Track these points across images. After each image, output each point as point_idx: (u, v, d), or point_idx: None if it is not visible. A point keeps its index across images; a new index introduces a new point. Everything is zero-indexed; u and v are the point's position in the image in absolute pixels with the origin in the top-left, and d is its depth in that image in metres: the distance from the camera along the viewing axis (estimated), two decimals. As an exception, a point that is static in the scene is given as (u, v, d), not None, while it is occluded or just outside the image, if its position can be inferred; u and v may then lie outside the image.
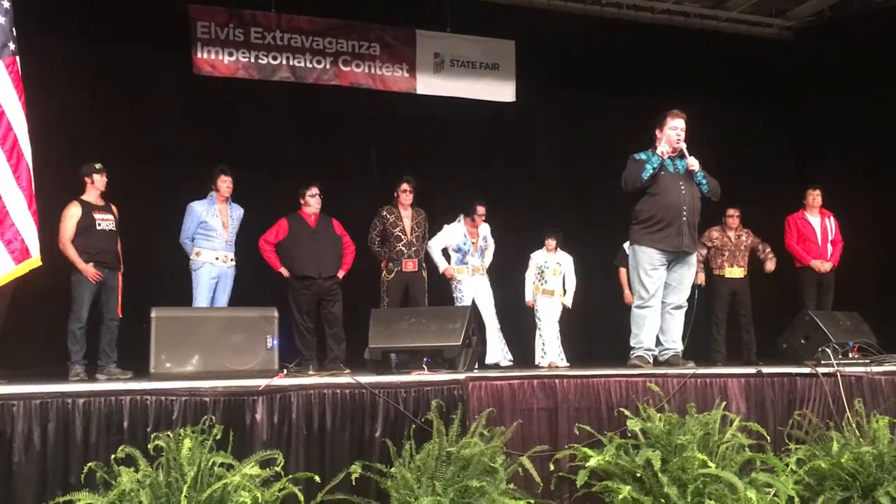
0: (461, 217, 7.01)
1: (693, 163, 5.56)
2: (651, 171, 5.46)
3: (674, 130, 5.57)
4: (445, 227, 6.99)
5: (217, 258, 6.18)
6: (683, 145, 5.57)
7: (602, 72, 8.55)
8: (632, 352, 5.60)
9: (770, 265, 7.30)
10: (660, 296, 5.57)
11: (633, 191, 5.57)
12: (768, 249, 7.33)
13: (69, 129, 6.59)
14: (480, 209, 6.97)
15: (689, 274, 5.65)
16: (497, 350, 6.87)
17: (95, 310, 5.68)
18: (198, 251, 6.17)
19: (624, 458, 4.30)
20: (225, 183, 6.25)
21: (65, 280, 5.58)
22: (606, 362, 5.82)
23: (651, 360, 5.51)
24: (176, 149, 7.29)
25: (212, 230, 6.18)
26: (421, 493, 3.87)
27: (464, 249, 6.96)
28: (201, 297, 6.10)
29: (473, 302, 6.81)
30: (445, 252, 6.99)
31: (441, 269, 6.91)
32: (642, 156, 5.62)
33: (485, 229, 7.08)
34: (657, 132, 5.65)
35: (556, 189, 8.71)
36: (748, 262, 7.39)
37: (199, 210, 6.19)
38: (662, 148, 5.53)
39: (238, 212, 6.38)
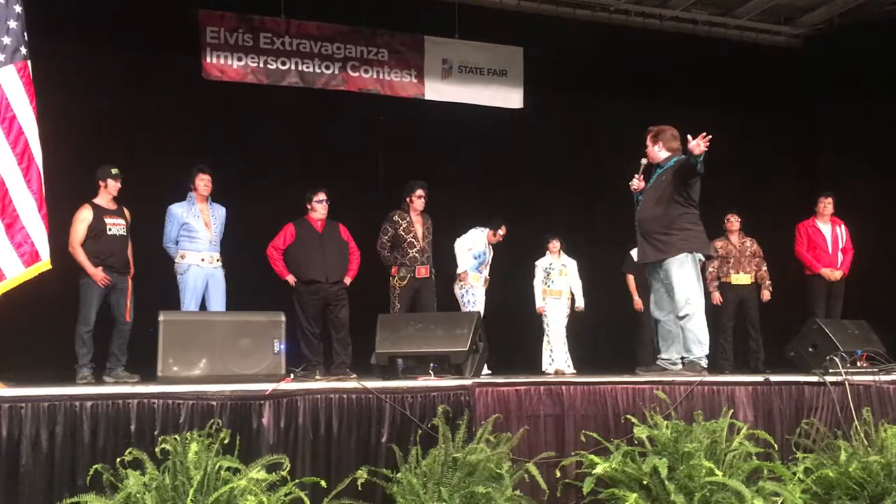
0: (485, 228, 7.05)
1: (635, 185, 5.54)
2: (636, 203, 5.59)
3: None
4: (472, 230, 7.05)
5: (203, 259, 6.07)
6: (643, 161, 5.55)
7: (610, 79, 8.56)
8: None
9: (766, 294, 7.31)
10: (657, 309, 5.56)
11: None
12: (767, 281, 7.34)
13: (79, 133, 6.63)
14: (504, 230, 7.09)
15: (669, 281, 5.33)
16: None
17: (106, 313, 5.69)
18: (182, 254, 6.07)
19: (630, 465, 4.28)
20: (202, 181, 6.12)
21: (73, 283, 5.60)
22: (613, 369, 5.81)
23: (654, 367, 5.50)
24: (185, 153, 7.31)
25: (194, 231, 6.07)
26: (427, 498, 3.87)
27: (482, 259, 7.02)
28: (188, 302, 6.01)
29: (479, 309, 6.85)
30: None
31: (461, 269, 6.96)
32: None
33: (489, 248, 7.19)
34: None
35: (562, 195, 8.73)
36: (758, 270, 7.40)
37: (179, 212, 6.09)
38: (632, 185, 5.55)
39: (220, 211, 6.28)
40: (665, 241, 5.34)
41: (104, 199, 5.74)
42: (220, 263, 6.19)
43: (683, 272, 5.30)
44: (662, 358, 5.52)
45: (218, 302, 6.14)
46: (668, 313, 5.46)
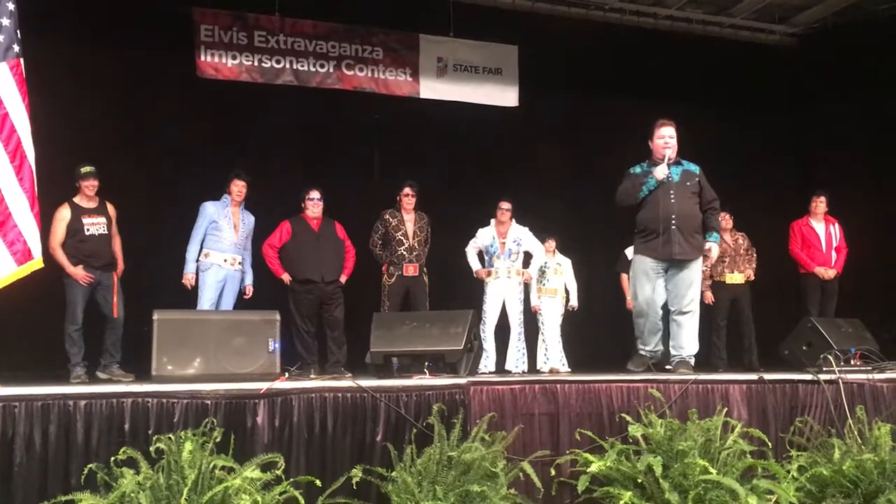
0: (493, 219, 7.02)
1: (666, 172, 5.47)
2: (646, 193, 5.52)
3: (661, 139, 5.60)
4: (479, 230, 7.01)
5: (225, 260, 6.16)
6: (668, 152, 5.53)
7: (605, 77, 8.56)
8: (637, 350, 5.68)
9: (750, 274, 7.37)
10: (656, 303, 5.59)
11: (625, 206, 5.61)
12: (753, 264, 7.37)
13: (73, 131, 6.60)
14: (501, 204, 6.94)
15: (687, 278, 5.54)
16: (512, 359, 6.85)
17: (97, 311, 5.67)
18: (206, 252, 6.15)
19: (625, 463, 4.29)
20: (237, 187, 6.25)
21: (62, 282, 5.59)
22: (608, 367, 5.82)
23: (649, 363, 5.54)
24: (179, 151, 7.31)
25: (221, 231, 6.16)
26: (422, 497, 3.87)
27: (490, 251, 6.95)
28: (206, 299, 6.08)
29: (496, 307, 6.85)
30: (480, 254, 7.03)
31: (474, 272, 6.96)
32: (637, 169, 5.66)
33: (518, 231, 6.97)
34: (649, 143, 5.69)
35: (557, 194, 8.72)
36: (752, 267, 7.43)
37: (211, 211, 6.18)
38: (661, 172, 5.47)
39: (250, 219, 6.38)
40: (699, 241, 5.58)
41: (83, 198, 5.72)
42: (241, 267, 6.27)
43: (700, 271, 5.64)
44: (649, 350, 5.60)
45: (228, 303, 6.21)
46: (659, 309, 5.58)
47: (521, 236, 6.97)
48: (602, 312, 8.12)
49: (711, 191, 5.67)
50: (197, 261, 6.16)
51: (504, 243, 6.92)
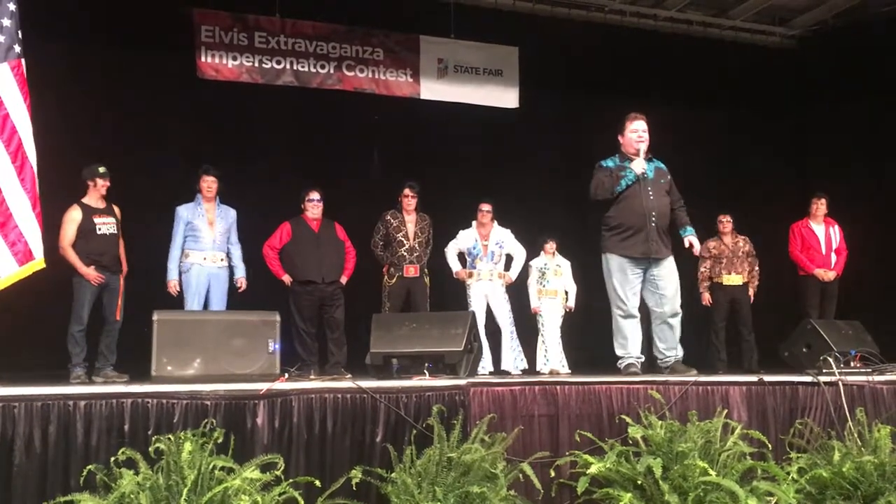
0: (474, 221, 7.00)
1: (644, 167, 5.44)
2: (625, 186, 5.42)
3: (634, 133, 5.53)
4: (461, 232, 6.98)
5: (205, 258, 6.10)
6: (643, 146, 5.48)
7: (604, 79, 8.57)
8: (620, 361, 5.62)
9: (750, 292, 7.35)
10: (637, 303, 5.55)
11: (601, 200, 5.52)
12: (755, 281, 7.37)
13: (73, 131, 6.61)
14: (482, 206, 6.92)
15: (670, 278, 5.51)
16: (509, 359, 6.84)
17: (97, 312, 5.68)
18: (187, 253, 6.11)
19: (625, 465, 4.29)
20: (206, 183, 6.18)
21: (67, 282, 5.59)
22: (608, 369, 5.82)
23: (639, 369, 5.52)
24: (180, 152, 7.31)
25: (198, 231, 6.11)
26: (421, 498, 3.87)
27: (473, 253, 6.92)
28: (191, 300, 6.04)
29: (480, 308, 6.81)
30: (462, 256, 6.99)
31: (454, 273, 6.92)
32: (609, 163, 5.58)
33: (500, 234, 6.95)
34: (619, 137, 5.63)
35: (557, 195, 8.72)
36: (751, 270, 7.43)
37: (184, 213, 6.14)
38: (639, 167, 5.41)
39: (228, 213, 6.30)
40: (669, 240, 5.51)
41: (92, 198, 5.73)
42: (224, 263, 6.21)
43: (675, 270, 5.51)
44: (636, 356, 5.59)
45: (218, 302, 6.16)
46: (637, 310, 5.57)
47: (503, 239, 6.95)
48: (602, 314, 8.11)
49: (677, 190, 5.64)
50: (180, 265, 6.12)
51: (486, 245, 6.89)
